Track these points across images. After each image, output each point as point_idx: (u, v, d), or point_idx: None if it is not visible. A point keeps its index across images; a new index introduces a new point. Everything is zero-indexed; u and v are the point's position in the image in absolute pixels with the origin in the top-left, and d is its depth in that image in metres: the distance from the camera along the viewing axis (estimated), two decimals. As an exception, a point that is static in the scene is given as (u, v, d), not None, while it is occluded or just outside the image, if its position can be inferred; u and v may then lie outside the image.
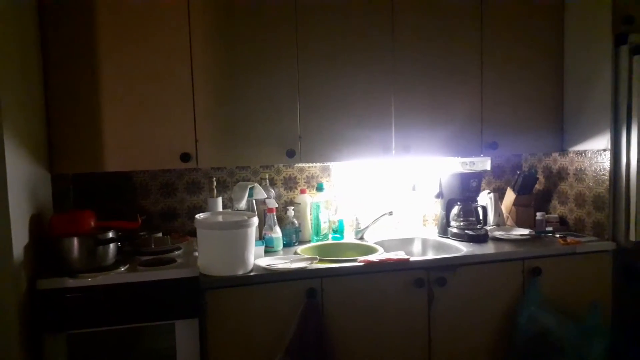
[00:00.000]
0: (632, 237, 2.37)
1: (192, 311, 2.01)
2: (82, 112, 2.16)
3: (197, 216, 2.12)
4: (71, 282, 1.91)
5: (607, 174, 2.43)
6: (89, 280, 1.92)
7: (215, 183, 2.55)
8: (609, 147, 2.40)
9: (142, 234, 2.39)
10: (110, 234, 2.05)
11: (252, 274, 2.07)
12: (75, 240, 1.97)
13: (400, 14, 2.43)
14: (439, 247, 2.64)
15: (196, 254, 2.18)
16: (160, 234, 2.46)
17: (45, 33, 2.11)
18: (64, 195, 2.40)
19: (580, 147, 2.58)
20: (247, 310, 2.06)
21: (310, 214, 2.63)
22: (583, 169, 2.59)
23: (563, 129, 2.67)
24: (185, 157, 2.24)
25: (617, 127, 2.39)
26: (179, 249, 2.33)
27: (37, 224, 2.00)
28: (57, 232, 1.99)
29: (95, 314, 1.93)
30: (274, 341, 2.07)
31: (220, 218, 2.20)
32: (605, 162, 2.44)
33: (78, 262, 1.97)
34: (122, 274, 1.98)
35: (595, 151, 2.50)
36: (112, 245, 2.06)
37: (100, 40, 2.15)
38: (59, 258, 1.98)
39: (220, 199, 2.52)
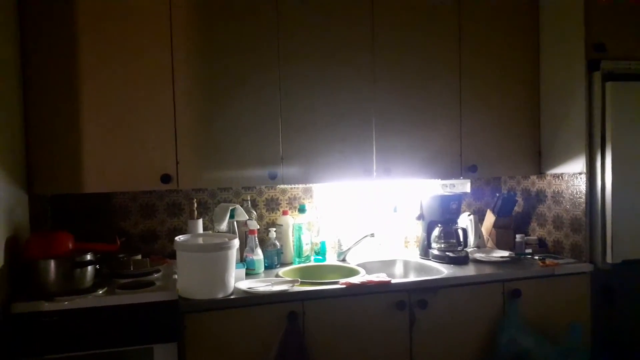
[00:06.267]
0: (609, 259, 2.41)
1: (170, 335, 1.98)
2: (62, 133, 2.15)
3: (176, 238, 2.10)
4: (47, 306, 1.87)
5: (584, 197, 2.47)
6: (66, 303, 1.89)
7: (196, 204, 2.54)
8: (585, 170, 2.46)
9: (121, 256, 2.35)
10: (88, 256, 2.02)
11: (232, 297, 2.06)
12: (52, 263, 1.93)
13: (381, 39, 2.48)
14: (420, 269, 2.64)
15: (176, 276, 2.16)
16: (139, 256, 2.42)
17: (26, 53, 2.11)
18: (42, 216, 2.37)
19: (557, 170, 2.63)
20: (227, 334, 2.03)
21: (292, 236, 2.63)
22: (560, 191, 2.63)
23: (540, 152, 2.72)
24: (165, 179, 2.23)
25: (592, 151, 2.45)
26: (158, 271, 2.30)
27: (13, 246, 1.96)
28: (34, 254, 1.96)
29: (71, 339, 1.89)
30: (254, 366, 2.04)
31: (200, 240, 2.18)
32: (581, 185, 2.49)
33: (55, 284, 1.94)
34: (99, 297, 1.95)
35: (571, 174, 2.55)
36: (89, 268, 2.02)
37: (81, 62, 2.15)
38: (35, 281, 1.94)
39: (201, 221, 2.50)
